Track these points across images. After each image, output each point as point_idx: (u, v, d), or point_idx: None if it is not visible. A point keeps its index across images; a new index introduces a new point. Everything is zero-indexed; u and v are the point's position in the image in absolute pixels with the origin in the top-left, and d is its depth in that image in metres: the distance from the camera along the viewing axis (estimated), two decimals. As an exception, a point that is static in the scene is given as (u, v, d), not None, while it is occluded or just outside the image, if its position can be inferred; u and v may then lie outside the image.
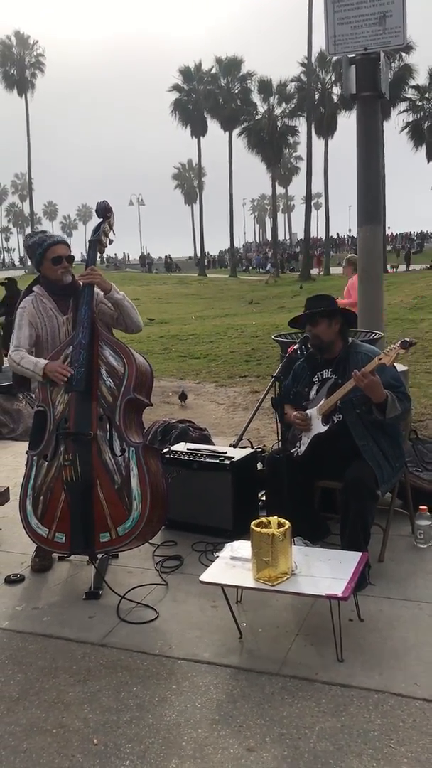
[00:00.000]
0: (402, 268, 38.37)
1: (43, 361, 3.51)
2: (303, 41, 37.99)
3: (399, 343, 3.29)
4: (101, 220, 3.72)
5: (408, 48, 34.55)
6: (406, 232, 71.77)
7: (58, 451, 3.48)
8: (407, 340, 3.32)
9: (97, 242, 3.69)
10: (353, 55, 5.54)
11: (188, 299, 29.84)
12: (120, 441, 3.41)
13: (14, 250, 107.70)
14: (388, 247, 48.66)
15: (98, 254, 3.74)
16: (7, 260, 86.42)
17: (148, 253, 69.36)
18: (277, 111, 42.01)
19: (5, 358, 3.85)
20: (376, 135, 5.84)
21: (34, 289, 3.73)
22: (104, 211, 3.71)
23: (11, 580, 3.69)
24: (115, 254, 60.26)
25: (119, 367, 3.46)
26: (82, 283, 3.59)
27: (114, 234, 3.75)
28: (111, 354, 3.49)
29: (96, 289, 3.61)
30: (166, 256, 64.75)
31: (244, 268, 54.98)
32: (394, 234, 68.93)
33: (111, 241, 3.74)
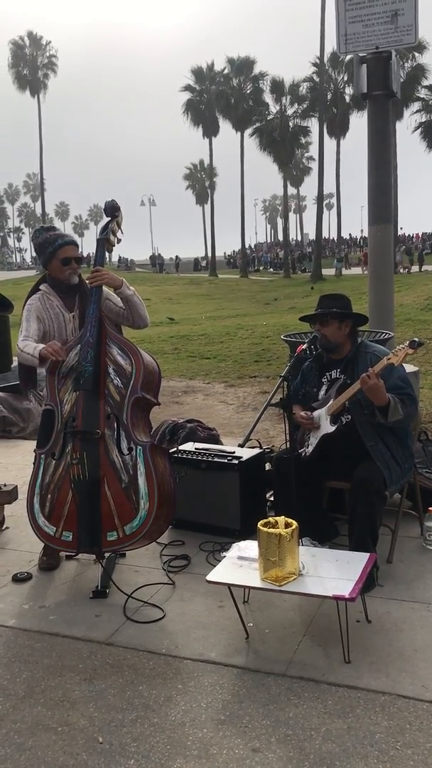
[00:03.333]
0: (415, 269, 38.16)
1: (41, 345, 3.52)
2: (316, 41, 37.78)
3: (407, 343, 3.26)
4: (109, 218, 3.72)
5: (420, 47, 34.46)
6: (424, 233, 71.08)
7: (66, 449, 3.48)
8: (416, 339, 3.28)
9: (105, 241, 3.69)
10: (365, 54, 5.53)
11: (199, 299, 29.83)
12: (127, 440, 3.41)
13: (26, 250, 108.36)
14: (401, 248, 48.35)
15: (106, 253, 3.74)
16: (19, 260, 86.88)
17: (159, 254, 69.43)
18: (290, 111, 41.84)
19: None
20: (388, 134, 5.82)
21: (41, 287, 3.75)
22: (112, 209, 3.71)
23: (19, 579, 3.70)
24: (125, 257, 60.58)
25: (127, 366, 3.46)
26: (89, 284, 3.59)
27: (122, 233, 3.75)
28: (119, 353, 3.49)
29: (104, 287, 3.61)
30: (195, 258, 65.48)
31: (255, 268, 54.86)
32: (407, 235, 68.51)
33: (119, 240, 3.74)
